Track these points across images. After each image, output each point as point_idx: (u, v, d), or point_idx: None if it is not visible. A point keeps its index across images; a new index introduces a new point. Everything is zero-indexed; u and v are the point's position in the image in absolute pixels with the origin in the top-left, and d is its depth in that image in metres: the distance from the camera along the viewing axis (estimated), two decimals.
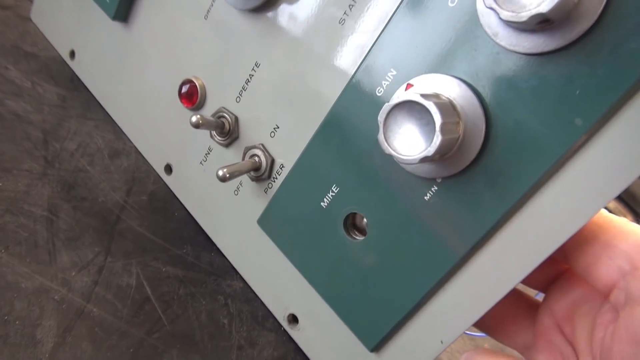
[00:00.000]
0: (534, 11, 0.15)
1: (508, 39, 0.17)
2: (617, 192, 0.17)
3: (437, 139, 0.17)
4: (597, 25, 0.16)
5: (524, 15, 0.15)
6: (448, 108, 0.18)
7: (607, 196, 0.17)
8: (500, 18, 0.16)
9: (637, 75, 0.16)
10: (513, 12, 0.15)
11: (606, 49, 0.16)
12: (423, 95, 0.18)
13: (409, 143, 0.18)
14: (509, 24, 0.16)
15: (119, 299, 0.25)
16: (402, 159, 0.18)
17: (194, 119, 0.26)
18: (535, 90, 0.18)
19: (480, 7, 0.18)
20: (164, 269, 0.28)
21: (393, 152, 0.18)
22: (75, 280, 0.24)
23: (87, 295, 0.24)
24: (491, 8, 0.16)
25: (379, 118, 0.19)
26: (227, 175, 0.26)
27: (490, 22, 0.18)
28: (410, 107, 0.18)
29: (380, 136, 0.19)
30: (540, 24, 0.16)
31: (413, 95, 0.18)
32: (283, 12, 0.26)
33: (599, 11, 0.16)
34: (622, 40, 0.16)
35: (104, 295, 0.25)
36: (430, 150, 0.17)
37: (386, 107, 0.18)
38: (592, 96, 0.17)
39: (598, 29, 0.16)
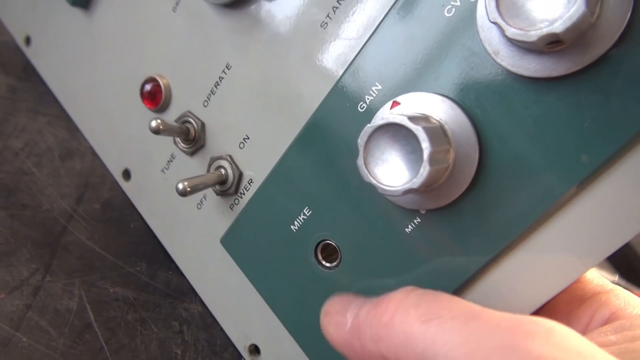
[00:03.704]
0: (545, 30, 0.13)
1: (510, 59, 0.15)
2: (622, 242, 0.15)
3: (424, 170, 0.15)
4: (615, 49, 0.14)
5: (534, 35, 0.13)
6: (438, 134, 0.16)
7: (611, 246, 0.15)
8: (504, 35, 0.14)
9: None
10: (521, 29, 0.13)
11: (623, 78, 0.14)
12: (410, 118, 0.15)
13: (391, 171, 0.16)
14: (514, 42, 0.14)
15: (55, 326, 0.22)
16: (383, 190, 0.16)
17: (153, 123, 0.23)
18: (538, 119, 0.15)
19: (481, 20, 0.15)
20: (112, 290, 0.25)
21: (373, 181, 0.16)
22: (4, 304, 0.21)
23: (16, 321, 0.21)
24: (495, 23, 0.13)
25: (359, 141, 0.16)
26: (188, 190, 0.23)
27: (491, 38, 0.15)
28: (395, 131, 0.15)
29: (360, 161, 0.16)
30: (550, 44, 0.14)
31: (399, 117, 0.15)
32: (260, 10, 0.23)
33: (618, 34, 0.13)
34: None
35: (37, 322, 0.21)
36: (416, 182, 0.15)
37: (368, 129, 0.16)
38: (603, 131, 0.14)
39: (615, 54, 0.14)
